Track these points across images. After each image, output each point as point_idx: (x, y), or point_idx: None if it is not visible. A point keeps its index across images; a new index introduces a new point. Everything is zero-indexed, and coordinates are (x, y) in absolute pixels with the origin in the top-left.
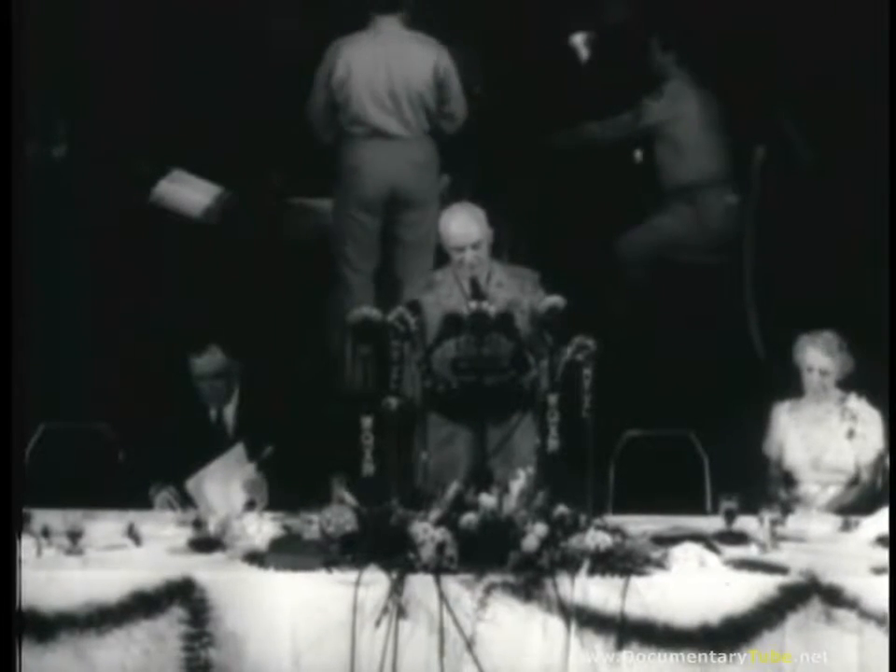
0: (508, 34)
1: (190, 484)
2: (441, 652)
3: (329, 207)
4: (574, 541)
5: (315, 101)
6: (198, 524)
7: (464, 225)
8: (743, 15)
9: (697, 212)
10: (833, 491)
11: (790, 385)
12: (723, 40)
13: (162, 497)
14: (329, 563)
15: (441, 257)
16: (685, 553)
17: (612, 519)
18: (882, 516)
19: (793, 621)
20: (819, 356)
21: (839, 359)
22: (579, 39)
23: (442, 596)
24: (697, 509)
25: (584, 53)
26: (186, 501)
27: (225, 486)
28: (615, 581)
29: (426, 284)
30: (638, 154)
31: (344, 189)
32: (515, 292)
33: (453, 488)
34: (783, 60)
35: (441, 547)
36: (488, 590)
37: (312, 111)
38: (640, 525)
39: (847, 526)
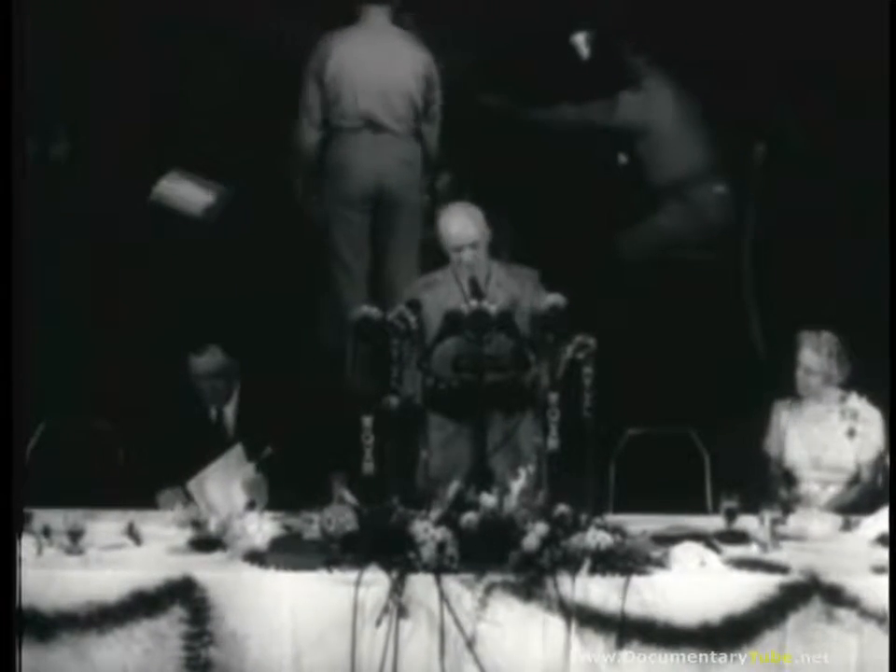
0: (503, 31)
1: (192, 485)
2: (442, 652)
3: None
4: (574, 540)
5: (305, 96)
6: (198, 523)
7: (461, 225)
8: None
9: (689, 207)
10: (833, 490)
11: (790, 383)
12: (710, 34)
13: (168, 497)
14: (330, 562)
15: (427, 259)
16: (686, 553)
17: (613, 518)
18: (882, 515)
19: (794, 620)
20: (807, 353)
21: (826, 362)
22: (580, 38)
23: (443, 596)
24: (698, 508)
25: (585, 52)
26: (191, 502)
27: (226, 487)
28: (616, 581)
29: (424, 284)
30: (623, 158)
31: (331, 184)
32: (515, 291)
33: (453, 487)
34: (779, 53)
35: (441, 546)
36: (489, 589)
37: (302, 108)
38: (641, 524)
39: (847, 525)
